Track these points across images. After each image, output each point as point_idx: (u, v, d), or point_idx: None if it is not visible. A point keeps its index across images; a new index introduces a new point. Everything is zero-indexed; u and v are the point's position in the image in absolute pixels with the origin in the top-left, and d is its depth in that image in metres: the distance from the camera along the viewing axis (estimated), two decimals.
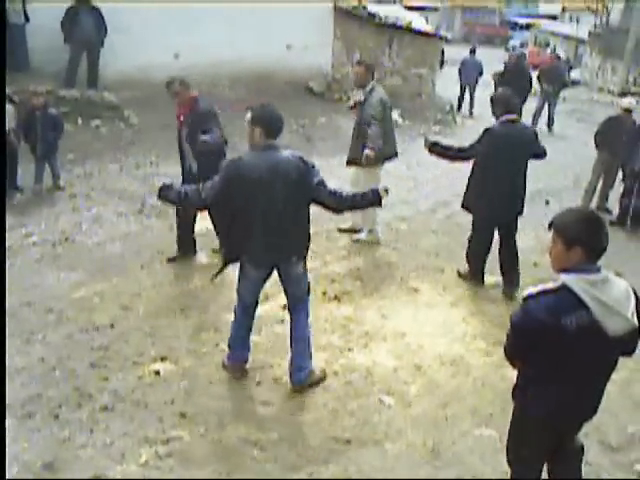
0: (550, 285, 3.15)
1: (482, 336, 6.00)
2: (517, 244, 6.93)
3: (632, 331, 3.15)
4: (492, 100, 6.79)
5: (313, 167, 4.74)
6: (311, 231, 4.91)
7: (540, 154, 7.06)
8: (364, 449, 4.46)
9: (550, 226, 3.25)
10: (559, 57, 19.42)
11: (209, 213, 6.24)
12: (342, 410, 4.86)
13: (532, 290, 3.18)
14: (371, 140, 7.38)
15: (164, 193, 4.79)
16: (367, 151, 7.35)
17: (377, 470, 4.27)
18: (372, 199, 4.75)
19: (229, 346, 5.17)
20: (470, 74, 18.07)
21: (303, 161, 4.71)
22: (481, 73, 18.18)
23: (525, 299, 3.19)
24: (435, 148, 6.89)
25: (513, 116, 6.63)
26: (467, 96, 18.41)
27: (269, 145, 4.64)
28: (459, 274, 7.20)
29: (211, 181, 4.62)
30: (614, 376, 5.05)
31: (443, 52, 19.70)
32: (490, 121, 6.73)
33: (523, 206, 6.93)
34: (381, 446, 4.51)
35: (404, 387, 5.20)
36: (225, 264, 5.02)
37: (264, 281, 5.04)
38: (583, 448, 3.66)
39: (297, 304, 5.07)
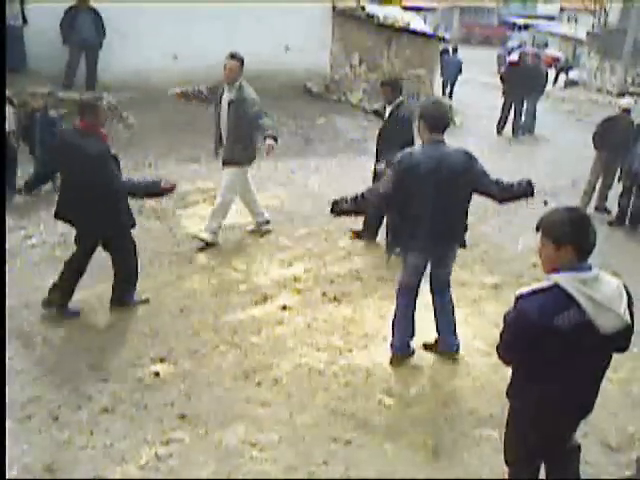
0: (542, 284, 3.17)
1: (481, 337, 6.00)
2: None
3: (625, 328, 3.16)
4: None
5: (476, 159, 5.02)
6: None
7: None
8: (364, 450, 4.47)
9: (537, 228, 3.26)
10: (539, 57, 19.53)
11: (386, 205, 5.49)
12: (342, 411, 4.86)
13: (524, 290, 3.20)
14: (272, 129, 7.23)
15: (338, 208, 5.14)
16: (270, 141, 7.04)
17: (377, 471, 4.27)
18: (526, 189, 5.08)
19: (393, 335, 5.49)
20: (451, 71, 19.79)
21: (467, 154, 5.01)
22: (460, 70, 19.96)
23: (517, 299, 3.21)
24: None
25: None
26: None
27: (436, 139, 4.95)
28: None
29: (385, 176, 5.03)
30: (613, 376, 5.12)
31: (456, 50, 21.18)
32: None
33: None
34: (381, 447, 4.51)
35: (404, 388, 5.21)
36: (392, 252, 5.57)
37: (425, 267, 5.36)
38: (580, 448, 3.66)
39: (444, 287, 5.49)
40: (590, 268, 3.14)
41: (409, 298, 5.43)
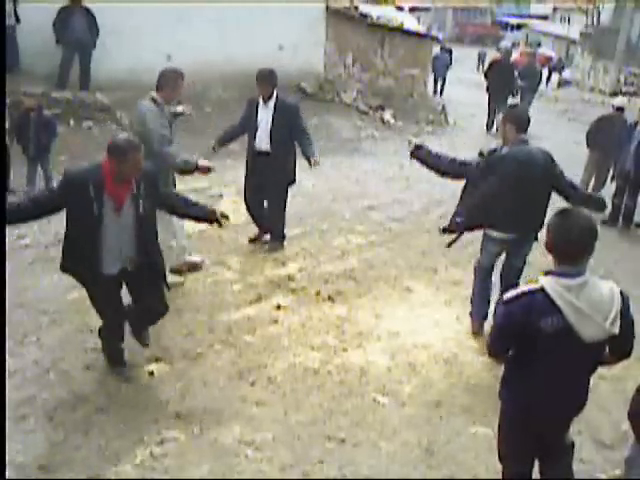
0: (529, 287, 3.20)
1: (475, 335, 6.02)
2: None
3: (612, 336, 3.16)
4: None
5: (554, 160, 5.55)
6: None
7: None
8: (359, 448, 4.48)
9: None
10: (534, 56, 19.75)
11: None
12: (337, 410, 4.87)
13: (513, 292, 3.25)
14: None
15: (419, 154, 5.88)
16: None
17: (372, 469, 4.28)
18: (599, 206, 5.86)
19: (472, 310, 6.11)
20: (440, 68, 21.23)
21: (549, 154, 5.55)
22: (448, 67, 21.76)
23: (506, 302, 3.25)
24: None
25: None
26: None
27: (521, 139, 5.47)
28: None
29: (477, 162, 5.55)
30: (607, 373, 5.14)
31: (451, 52, 22.88)
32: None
33: None
34: (375, 445, 4.52)
35: (398, 386, 5.22)
36: (462, 233, 5.75)
37: (500, 254, 5.90)
38: (573, 445, 3.68)
39: (515, 275, 5.84)
40: (580, 274, 3.14)
41: (484, 278, 6.01)
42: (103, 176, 4.43)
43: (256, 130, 7.16)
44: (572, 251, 3.14)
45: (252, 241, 7.78)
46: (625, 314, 3.18)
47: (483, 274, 5.99)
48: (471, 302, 6.15)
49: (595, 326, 3.09)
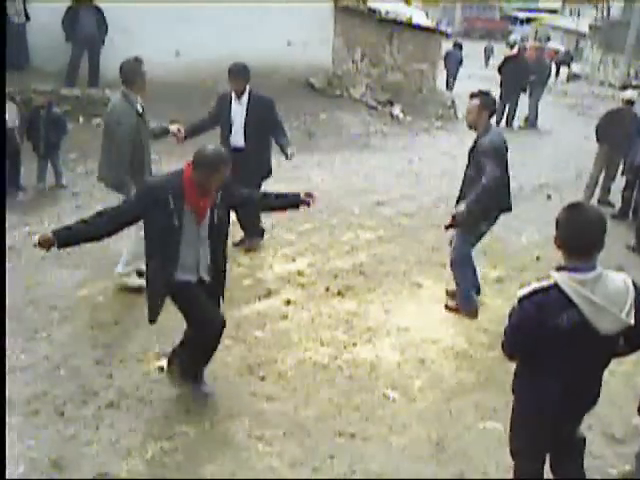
0: (542, 284, 3.17)
1: (485, 330, 6.01)
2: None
3: (628, 327, 3.13)
4: None
5: None
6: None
7: None
8: (369, 443, 4.48)
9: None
10: (542, 50, 19.70)
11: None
12: (347, 405, 4.87)
13: (526, 290, 3.21)
14: None
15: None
16: None
17: (382, 464, 4.28)
18: None
19: (466, 296, 6.32)
20: (452, 64, 21.61)
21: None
22: (461, 63, 21.90)
23: (520, 300, 3.22)
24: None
25: None
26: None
27: (490, 124, 5.98)
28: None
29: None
30: (617, 368, 5.13)
31: (461, 47, 22.70)
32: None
33: None
34: (386, 440, 4.52)
35: (408, 381, 5.22)
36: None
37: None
38: (585, 440, 3.67)
39: None
40: (593, 268, 3.12)
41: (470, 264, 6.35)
42: (183, 187, 4.28)
43: (230, 126, 7.01)
44: (585, 245, 3.12)
45: (238, 245, 7.53)
46: (639, 304, 3.16)
47: (469, 260, 6.29)
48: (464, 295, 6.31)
49: (612, 319, 3.07)
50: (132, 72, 5.95)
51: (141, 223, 4.47)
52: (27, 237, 7.30)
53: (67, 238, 4.27)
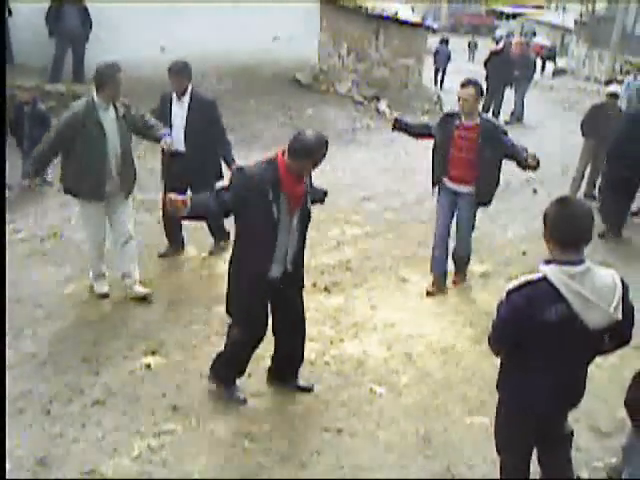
0: (532, 277, 3.16)
1: (472, 324, 6.03)
2: None
3: (615, 322, 3.14)
4: None
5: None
6: None
7: None
8: (356, 438, 4.49)
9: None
10: (528, 45, 19.80)
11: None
12: (333, 400, 4.88)
13: (515, 283, 3.20)
14: None
15: (399, 125, 6.72)
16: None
17: (369, 459, 4.29)
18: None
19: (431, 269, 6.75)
20: (441, 59, 22.19)
21: None
22: (449, 59, 22.43)
23: (509, 292, 3.21)
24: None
25: None
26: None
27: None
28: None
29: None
30: (603, 362, 5.16)
31: (448, 42, 23.27)
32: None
33: None
34: (373, 435, 4.53)
35: (395, 377, 5.23)
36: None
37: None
38: (572, 434, 3.68)
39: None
40: (582, 261, 3.11)
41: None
42: (279, 176, 4.19)
43: (170, 128, 6.43)
44: (575, 238, 3.12)
45: (163, 256, 7.11)
46: (626, 300, 3.17)
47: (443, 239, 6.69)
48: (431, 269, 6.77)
49: (600, 313, 3.08)
50: (102, 76, 5.62)
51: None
52: (12, 234, 7.26)
53: (194, 207, 4.20)
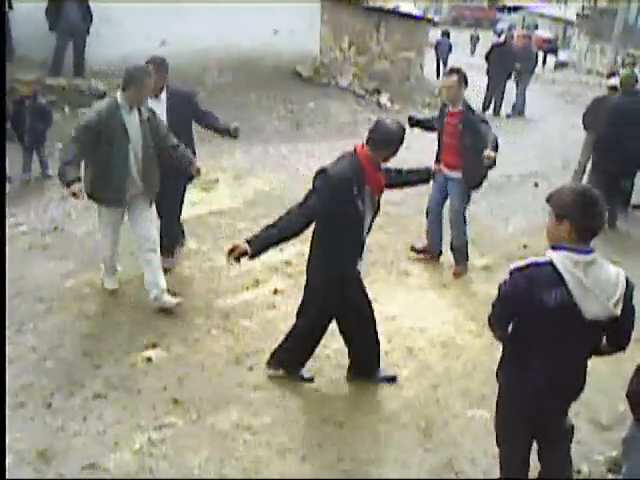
0: (538, 259, 3.20)
1: (473, 318, 6.03)
2: None
3: (613, 319, 3.15)
4: None
5: None
6: None
7: None
8: (356, 432, 4.49)
9: (548, 200, 3.27)
10: (530, 38, 19.84)
11: None
12: (334, 393, 4.88)
13: (520, 263, 3.24)
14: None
15: (414, 121, 7.09)
16: None
17: (370, 452, 4.29)
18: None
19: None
20: (443, 51, 22.92)
21: None
22: (450, 50, 23.26)
23: (512, 272, 3.25)
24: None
25: None
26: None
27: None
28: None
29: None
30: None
31: (449, 35, 24.05)
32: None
33: None
34: (373, 429, 4.53)
35: (396, 370, 5.23)
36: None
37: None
38: (573, 428, 3.68)
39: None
40: (590, 251, 3.13)
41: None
42: (363, 169, 4.19)
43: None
44: (594, 227, 3.14)
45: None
46: (628, 301, 3.17)
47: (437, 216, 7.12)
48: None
49: (598, 304, 3.09)
50: (129, 77, 5.45)
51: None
52: (13, 228, 7.26)
53: (260, 246, 4.15)
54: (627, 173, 8.91)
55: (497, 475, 3.82)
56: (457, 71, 6.56)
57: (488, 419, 4.52)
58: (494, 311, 3.41)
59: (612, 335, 3.33)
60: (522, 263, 3.22)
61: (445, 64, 22.38)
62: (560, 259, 3.11)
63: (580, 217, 3.12)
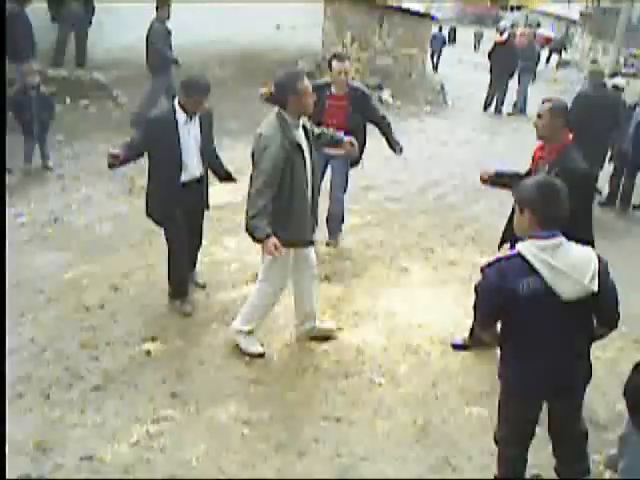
0: (507, 253, 3.30)
1: (471, 315, 6.00)
2: None
3: (591, 295, 3.17)
4: None
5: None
6: None
7: None
8: (354, 427, 4.49)
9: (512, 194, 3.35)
10: (533, 37, 19.96)
11: None
12: (332, 389, 4.88)
13: (491, 259, 3.31)
14: None
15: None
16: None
17: (367, 448, 4.30)
18: None
19: None
20: (437, 44, 24.05)
21: None
22: (444, 43, 25.18)
23: (482, 269, 3.31)
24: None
25: None
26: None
27: None
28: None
29: None
30: (602, 355, 5.17)
31: (455, 31, 27.23)
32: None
33: None
34: (371, 424, 4.54)
35: (394, 366, 5.23)
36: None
37: None
38: (587, 435, 3.70)
39: None
40: (554, 236, 3.19)
41: None
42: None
43: (180, 156, 5.45)
44: (555, 215, 3.21)
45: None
46: (604, 277, 3.22)
47: None
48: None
49: (572, 283, 3.13)
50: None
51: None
52: (13, 219, 7.26)
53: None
54: (594, 161, 8.84)
55: (494, 472, 3.83)
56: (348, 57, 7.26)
57: (486, 417, 4.53)
58: (476, 313, 3.48)
59: (599, 313, 3.36)
60: (492, 259, 3.29)
61: (439, 56, 24.27)
62: (526, 247, 3.19)
63: (541, 205, 3.20)
